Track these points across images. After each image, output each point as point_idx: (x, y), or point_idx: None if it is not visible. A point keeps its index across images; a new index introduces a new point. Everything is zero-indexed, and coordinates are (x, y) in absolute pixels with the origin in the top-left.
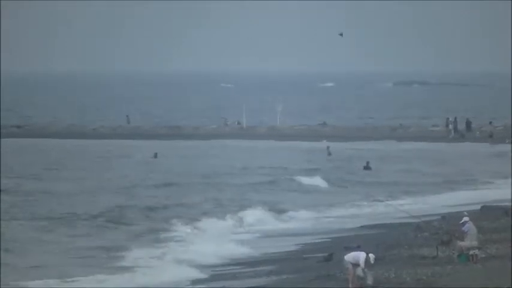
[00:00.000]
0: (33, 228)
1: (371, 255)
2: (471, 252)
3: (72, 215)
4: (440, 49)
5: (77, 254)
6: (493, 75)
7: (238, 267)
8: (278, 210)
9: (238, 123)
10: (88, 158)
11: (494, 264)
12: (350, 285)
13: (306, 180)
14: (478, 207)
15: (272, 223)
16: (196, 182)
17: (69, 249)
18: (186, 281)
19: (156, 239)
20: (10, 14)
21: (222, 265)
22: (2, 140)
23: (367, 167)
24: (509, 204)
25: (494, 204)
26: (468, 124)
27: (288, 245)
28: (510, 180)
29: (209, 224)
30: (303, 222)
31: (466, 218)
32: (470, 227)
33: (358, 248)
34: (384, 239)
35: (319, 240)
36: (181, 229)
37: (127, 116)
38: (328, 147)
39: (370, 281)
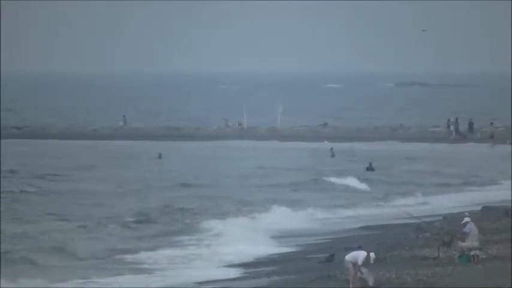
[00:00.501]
0: (73, 229)
1: (371, 254)
2: (472, 253)
3: (102, 215)
4: (440, 49)
5: (108, 255)
6: (493, 75)
7: (247, 268)
8: (303, 210)
9: (239, 124)
10: (92, 158)
11: (495, 265)
12: (351, 286)
13: (337, 180)
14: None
15: (295, 223)
16: (212, 183)
17: (103, 250)
18: (207, 282)
19: (180, 240)
20: (10, 14)
21: (253, 265)
22: (24, 141)
23: (370, 168)
24: (510, 204)
25: (496, 204)
26: (470, 125)
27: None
28: (510, 180)
29: (234, 224)
30: (331, 223)
31: (467, 219)
32: (471, 228)
33: (359, 249)
34: (385, 240)
35: (322, 241)
36: (206, 229)
37: (124, 116)
38: (331, 149)
39: (371, 282)
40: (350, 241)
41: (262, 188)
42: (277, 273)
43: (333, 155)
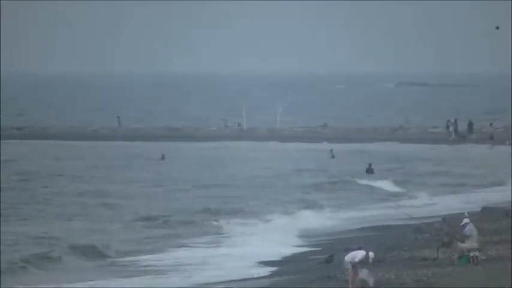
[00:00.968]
0: (97, 229)
1: (370, 254)
2: (471, 253)
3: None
4: (440, 49)
5: (134, 255)
6: (493, 75)
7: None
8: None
9: (239, 124)
10: (95, 159)
11: (494, 266)
12: (350, 286)
13: (367, 182)
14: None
15: (320, 223)
16: (227, 184)
17: (132, 251)
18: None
19: (203, 241)
20: (10, 14)
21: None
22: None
23: (369, 170)
24: (509, 205)
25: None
26: (470, 125)
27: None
28: (510, 180)
29: (262, 224)
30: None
31: (466, 220)
32: (471, 229)
33: (358, 249)
34: (384, 240)
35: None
36: (232, 230)
37: (118, 117)
38: (331, 150)
39: (371, 283)
40: (353, 242)
41: (288, 189)
42: (277, 273)
43: (332, 156)
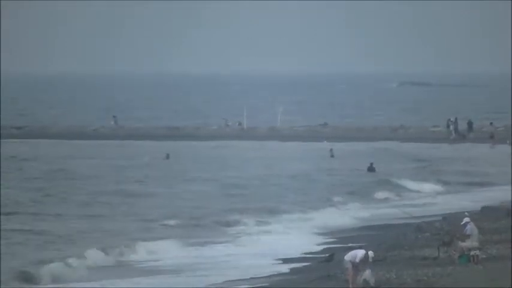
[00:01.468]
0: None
1: (370, 253)
2: (472, 253)
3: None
4: (440, 49)
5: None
6: (493, 75)
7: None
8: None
9: (239, 124)
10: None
11: (495, 265)
12: (350, 286)
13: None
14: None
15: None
16: (245, 184)
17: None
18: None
19: (229, 240)
20: (10, 14)
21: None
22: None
23: (371, 168)
24: (509, 204)
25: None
26: (470, 125)
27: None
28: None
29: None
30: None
31: (467, 219)
32: (472, 228)
33: (359, 248)
34: (385, 240)
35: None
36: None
37: (114, 116)
38: (331, 150)
39: (372, 282)
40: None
41: (309, 187)
42: (278, 274)
43: (332, 156)
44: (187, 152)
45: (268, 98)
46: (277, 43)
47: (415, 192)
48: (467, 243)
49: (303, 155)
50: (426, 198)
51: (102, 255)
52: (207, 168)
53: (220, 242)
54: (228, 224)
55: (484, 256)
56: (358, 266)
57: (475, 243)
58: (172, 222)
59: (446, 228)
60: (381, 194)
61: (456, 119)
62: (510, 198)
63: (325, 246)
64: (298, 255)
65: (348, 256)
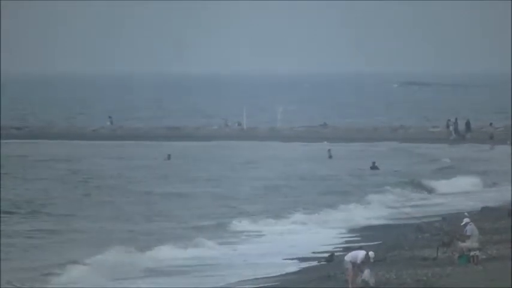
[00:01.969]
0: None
1: (371, 253)
2: (472, 253)
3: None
4: (440, 49)
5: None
6: (493, 75)
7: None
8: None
9: (239, 124)
10: (97, 159)
11: (494, 266)
12: (350, 286)
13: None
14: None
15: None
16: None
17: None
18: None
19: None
20: (10, 14)
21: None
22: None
23: (373, 167)
24: (509, 205)
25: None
26: (467, 125)
27: None
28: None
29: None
30: None
31: (466, 219)
32: (472, 229)
33: (359, 249)
34: (385, 240)
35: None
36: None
37: (110, 117)
38: (329, 150)
39: (372, 283)
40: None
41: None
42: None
43: (330, 156)
44: (189, 153)
45: (268, 98)
46: (277, 43)
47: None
48: (467, 244)
49: (302, 155)
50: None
51: (126, 255)
52: (209, 168)
53: (221, 243)
54: (229, 225)
55: (484, 256)
56: (359, 267)
57: (475, 244)
58: (172, 223)
59: (446, 228)
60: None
61: (456, 119)
62: (510, 198)
63: (337, 245)
64: (304, 256)
65: (349, 256)
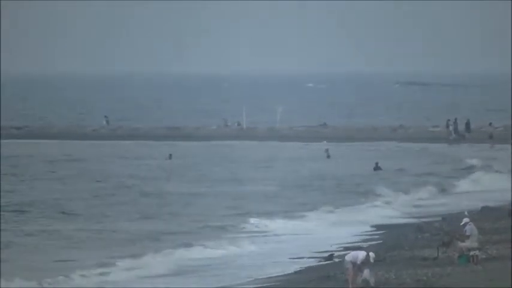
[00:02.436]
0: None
1: (371, 254)
2: (472, 253)
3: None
4: (440, 49)
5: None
6: (493, 75)
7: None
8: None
9: (239, 124)
10: (101, 160)
11: (494, 265)
12: (350, 286)
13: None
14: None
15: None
16: (273, 183)
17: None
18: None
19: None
20: (10, 14)
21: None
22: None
23: (377, 168)
24: (509, 205)
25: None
26: (467, 125)
27: None
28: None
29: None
30: None
31: (466, 219)
32: (471, 229)
33: (359, 249)
34: (385, 240)
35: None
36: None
37: (105, 116)
38: (327, 150)
39: (372, 283)
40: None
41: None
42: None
43: (328, 156)
44: (190, 152)
45: (268, 98)
46: (277, 43)
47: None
48: (466, 244)
49: (303, 155)
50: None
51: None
52: (211, 169)
53: (222, 244)
54: (238, 225)
55: (484, 256)
56: (359, 267)
57: (475, 244)
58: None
59: (446, 228)
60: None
61: (456, 119)
62: (510, 198)
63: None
64: (305, 256)
65: (349, 257)
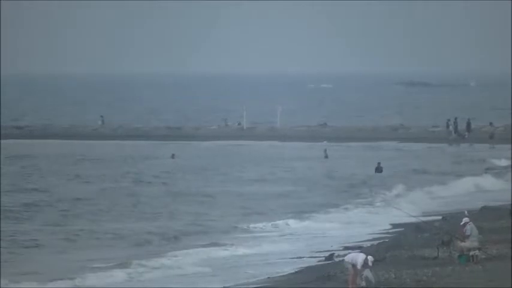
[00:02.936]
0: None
1: (369, 257)
2: (472, 252)
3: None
4: (440, 49)
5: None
6: (493, 75)
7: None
8: None
9: (239, 124)
10: (106, 159)
11: (494, 265)
12: (350, 286)
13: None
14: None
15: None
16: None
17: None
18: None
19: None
20: (10, 14)
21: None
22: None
23: (378, 169)
24: (509, 205)
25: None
26: (468, 125)
27: None
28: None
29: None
30: None
31: (466, 219)
32: (471, 228)
33: (359, 249)
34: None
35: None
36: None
37: (101, 116)
38: (325, 150)
39: (372, 282)
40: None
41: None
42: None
43: (326, 156)
44: (191, 152)
45: (268, 98)
46: (277, 43)
47: None
48: (466, 243)
49: (303, 155)
50: None
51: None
52: (212, 168)
53: (224, 245)
54: (246, 226)
55: (484, 256)
56: (358, 269)
57: (475, 243)
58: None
59: (446, 228)
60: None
61: (456, 119)
62: (510, 198)
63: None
64: (304, 256)
65: (348, 258)
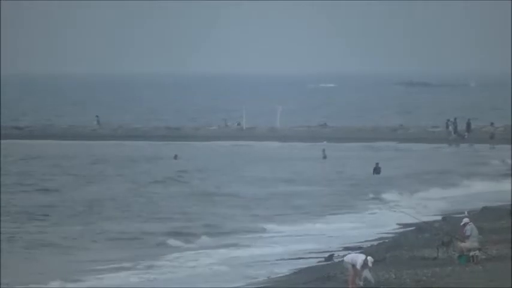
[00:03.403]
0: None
1: (369, 258)
2: (472, 253)
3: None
4: (441, 49)
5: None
6: (493, 75)
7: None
8: None
9: (238, 124)
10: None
11: (494, 265)
12: (349, 286)
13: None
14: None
15: None
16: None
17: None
18: None
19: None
20: (10, 14)
21: None
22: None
23: (376, 169)
24: (509, 205)
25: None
26: (468, 125)
27: None
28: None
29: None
30: None
31: (466, 220)
32: (472, 229)
33: (358, 250)
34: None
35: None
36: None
37: (97, 116)
38: (323, 150)
39: (372, 282)
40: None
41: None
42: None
43: (324, 157)
44: (193, 152)
45: (268, 98)
46: (278, 43)
47: None
48: (466, 244)
49: (304, 155)
50: None
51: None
52: (213, 168)
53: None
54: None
55: (484, 256)
56: (358, 269)
57: (475, 244)
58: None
59: (446, 228)
60: None
61: (455, 119)
62: (510, 199)
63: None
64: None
65: (348, 258)
